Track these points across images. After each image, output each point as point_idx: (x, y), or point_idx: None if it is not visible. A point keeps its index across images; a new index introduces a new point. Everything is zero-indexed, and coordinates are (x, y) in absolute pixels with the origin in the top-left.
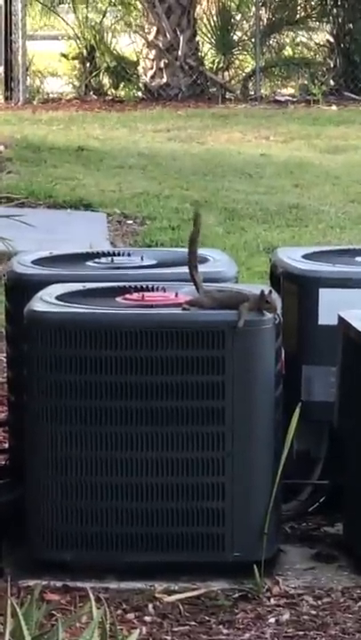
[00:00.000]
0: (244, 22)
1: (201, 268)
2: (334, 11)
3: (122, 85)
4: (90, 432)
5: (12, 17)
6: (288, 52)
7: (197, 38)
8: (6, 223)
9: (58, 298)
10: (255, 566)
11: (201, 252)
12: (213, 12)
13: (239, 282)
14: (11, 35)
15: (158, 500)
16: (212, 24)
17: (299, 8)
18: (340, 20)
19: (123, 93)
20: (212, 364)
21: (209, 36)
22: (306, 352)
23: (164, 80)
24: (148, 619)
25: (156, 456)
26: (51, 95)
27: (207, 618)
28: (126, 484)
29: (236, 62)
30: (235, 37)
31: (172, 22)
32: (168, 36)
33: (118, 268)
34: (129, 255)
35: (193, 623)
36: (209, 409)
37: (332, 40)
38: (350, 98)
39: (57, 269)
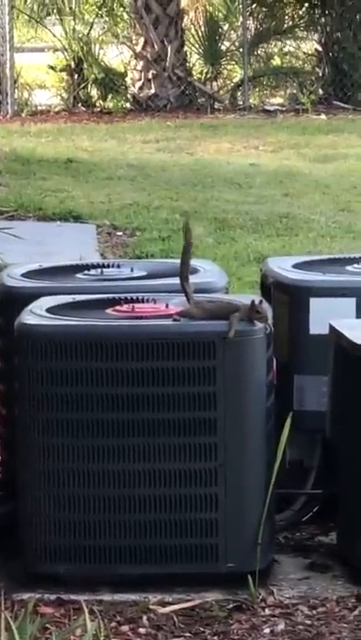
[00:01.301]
0: (232, 32)
1: (191, 279)
2: (322, 20)
3: (110, 97)
4: (81, 444)
5: None
6: (276, 61)
7: (185, 49)
8: None
9: (48, 310)
10: (249, 577)
11: (191, 262)
12: (201, 23)
13: (230, 292)
14: None
15: (151, 512)
16: (200, 34)
17: (286, 18)
18: (327, 29)
19: (111, 105)
20: (204, 375)
21: (197, 46)
22: (297, 361)
23: (153, 91)
24: (142, 630)
25: (149, 467)
26: (39, 107)
27: (202, 629)
28: (119, 496)
29: (225, 72)
30: (223, 47)
31: (159, 33)
32: (156, 46)
33: (108, 279)
34: (119, 267)
35: (188, 634)
36: (201, 420)
37: (320, 49)
38: (339, 107)
39: (47, 282)
